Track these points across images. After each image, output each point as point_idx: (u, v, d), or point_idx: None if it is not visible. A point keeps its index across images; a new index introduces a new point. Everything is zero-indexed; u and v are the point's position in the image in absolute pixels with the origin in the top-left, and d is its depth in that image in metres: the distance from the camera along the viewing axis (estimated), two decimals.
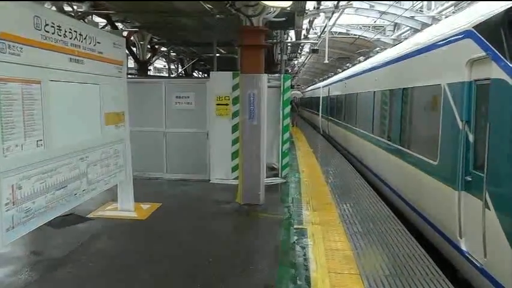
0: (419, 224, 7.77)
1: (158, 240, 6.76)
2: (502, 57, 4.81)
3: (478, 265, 5.31)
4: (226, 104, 10.56)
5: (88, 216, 7.87)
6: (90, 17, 11.43)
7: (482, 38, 5.36)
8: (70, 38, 5.66)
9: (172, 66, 25.36)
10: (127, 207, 8.09)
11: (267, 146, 9.57)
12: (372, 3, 20.80)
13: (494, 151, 4.94)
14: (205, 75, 26.00)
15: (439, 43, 7.04)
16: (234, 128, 10.25)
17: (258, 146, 8.73)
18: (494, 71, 4.94)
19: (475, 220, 5.31)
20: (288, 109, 11.18)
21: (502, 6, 5.00)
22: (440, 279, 5.43)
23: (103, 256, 6.11)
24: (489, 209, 4.94)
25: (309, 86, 52.10)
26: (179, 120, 10.97)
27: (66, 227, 7.24)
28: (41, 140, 5.05)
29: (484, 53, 5.27)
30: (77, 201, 5.97)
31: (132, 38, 15.30)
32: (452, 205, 5.99)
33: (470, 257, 5.57)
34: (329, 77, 34.58)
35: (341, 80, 20.14)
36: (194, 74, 26.43)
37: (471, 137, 5.69)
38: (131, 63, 17.65)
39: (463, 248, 5.76)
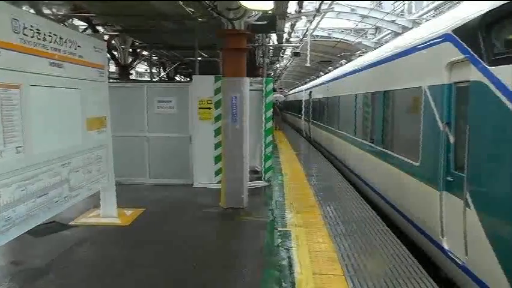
0: (402, 225, 7.85)
1: (142, 246, 6.72)
2: (480, 60, 4.90)
3: (460, 263, 5.39)
4: (209, 108, 10.54)
5: (70, 223, 7.76)
6: (70, 20, 11.35)
7: (461, 41, 5.45)
8: (50, 42, 5.58)
9: (154, 70, 25.28)
10: (110, 214, 8.02)
11: (250, 149, 9.57)
12: (354, 5, 20.96)
13: (474, 152, 5.03)
14: (188, 79, 25.97)
15: (419, 46, 7.13)
16: (217, 132, 10.24)
17: (241, 150, 8.74)
18: (473, 74, 5.03)
19: (456, 219, 5.40)
20: (270, 112, 11.22)
21: (480, 10, 5.10)
22: (423, 277, 5.51)
23: (86, 264, 6.04)
24: (470, 208, 5.03)
25: (291, 89, 52.27)
26: (161, 124, 10.92)
27: (48, 235, 7.13)
28: (21, 147, 4.93)
29: (462, 56, 5.36)
30: (59, 208, 5.88)
31: (113, 41, 15.22)
32: (434, 205, 6.07)
33: (452, 256, 5.65)
34: (311, 80, 34.75)
35: (323, 83, 20.24)
36: (176, 78, 26.38)
37: (451, 138, 5.78)
38: (112, 67, 17.53)
39: (445, 246, 5.85)
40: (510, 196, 4.38)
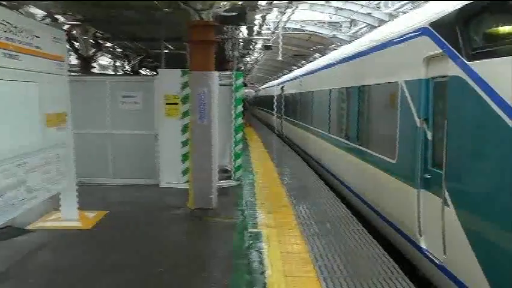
0: (378, 224, 7.95)
1: (105, 251, 6.63)
2: (458, 54, 4.98)
3: (438, 263, 5.47)
4: (176, 104, 10.46)
5: (27, 228, 7.59)
6: (26, 8, 11.07)
7: (438, 36, 5.54)
8: (4, 31, 5.38)
9: (118, 64, 24.96)
10: (70, 217, 7.87)
11: (219, 147, 9.53)
12: None
13: (452, 148, 5.12)
14: (154, 73, 25.73)
15: (396, 40, 7.22)
16: (184, 129, 10.17)
17: (209, 147, 8.70)
18: (451, 68, 5.11)
19: (434, 218, 5.48)
20: (240, 108, 11.22)
21: (457, 4, 5.18)
22: (400, 278, 5.59)
23: (45, 271, 5.91)
24: (448, 206, 5.11)
25: (263, 84, 52.35)
26: (126, 121, 10.79)
27: (3, 240, 6.96)
28: None
29: (440, 50, 5.44)
30: (15, 211, 5.72)
31: (74, 31, 14.94)
32: (411, 203, 6.16)
33: (429, 255, 5.74)
34: (283, 75, 34.87)
35: (295, 78, 20.33)
36: (141, 71, 26.10)
37: (429, 135, 5.87)
38: (73, 59, 17.24)
39: (423, 246, 5.94)
40: (489, 193, 4.48)
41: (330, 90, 12.05)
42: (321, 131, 13.28)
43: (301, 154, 16.83)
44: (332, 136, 11.75)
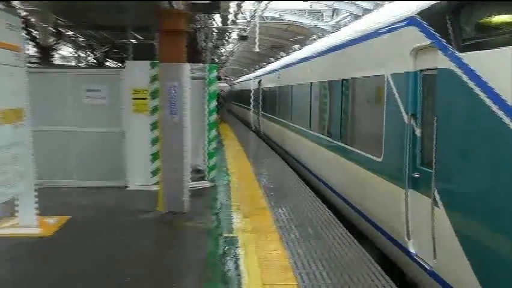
0: (363, 227, 7.98)
1: (67, 260, 6.50)
2: (448, 45, 4.99)
3: (428, 267, 5.50)
4: (144, 99, 10.35)
5: None
6: None
7: (427, 26, 5.55)
8: None
9: (81, 54, 24.66)
10: (29, 223, 7.69)
11: (191, 145, 9.48)
12: None
13: (442, 145, 5.13)
14: (120, 64, 25.49)
15: (381, 30, 7.24)
16: (154, 126, 10.07)
17: (181, 146, 8.63)
18: (440, 61, 5.12)
19: (424, 219, 5.50)
20: (214, 103, 11.17)
21: None
22: (387, 285, 5.59)
23: (0, 285, 5.76)
24: (438, 207, 5.13)
25: (238, 78, 52.37)
26: (90, 117, 10.62)
27: None
28: None
29: (429, 41, 5.46)
30: None
31: (32, 18, 14.65)
32: (399, 205, 6.18)
33: (418, 260, 5.76)
34: (261, 68, 34.91)
35: (274, 71, 20.37)
36: (107, 63, 25.84)
37: (418, 131, 5.89)
38: (31, 49, 16.95)
39: (411, 250, 5.96)
40: (482, 193, 4.49)
41: (311, 84, 12.07)
42: (301, 127, 13.30)
43: (280, 153, 16.87)
44: (313, 133, 11.77)
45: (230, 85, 54.82)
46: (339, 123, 9.44)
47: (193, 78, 10.50)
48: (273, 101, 19.78)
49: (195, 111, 10.33)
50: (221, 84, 46.12)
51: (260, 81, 24.68)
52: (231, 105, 45.55)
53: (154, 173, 10.32)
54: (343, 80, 9.17)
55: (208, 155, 11.29)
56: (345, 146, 8.94)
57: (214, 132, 11.32)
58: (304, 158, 12.92)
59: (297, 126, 13.92)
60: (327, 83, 10.51)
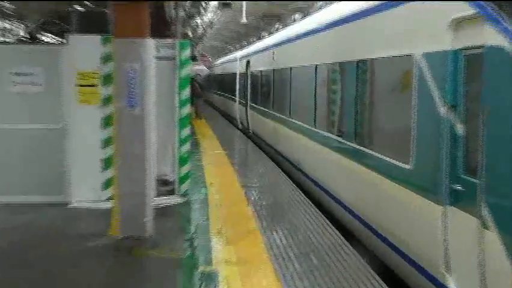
0: (385, 255, 8.01)
1: None
2: (500, 16, 4.97)
3: None
4: (94, 85, 10.34)
5: None
6: None
7: None
8: None
9: (8, 26, 24.58)
10: None
11: (156, 147, 9.49)
12: None
13: (492, 147, 5.08)
14: (61, 40, 25.42)
15: None
16: (107, 122, 10.05)
17: (143, 148, 8.60)
18: (491, 36, 5.10)
19: (469, 246, 5.44)
20: (188, 92, 11.16)
21: None
22: None
23: None
24: (489, 230, 5.07)
25: (220, 58, 52.37)
26: (18, 110, 10.60)
27: None
28: None
29: (473, 11, 5.45)
30: None
31: None
32: (433, 225, 6.17)
33: None
34: (249, 45, 34.90)
35: (267, 49, 20.39)
36: (43, 38, 25.77)
37: (460, 128, 5.86)
38: None
39: (452, 287, 5.91)
40: None
41: (316, 66, 12.07)
42: (303, 124, 13.31)
43: (275, 157, 16.92)
44: (318, 132, 11.79)
45: (209, 68, 54.87)
46: (353, 118, 9.45)
47: (160, 58, 10.52)
48: (265, 89, 19.82)
49: (161, 102, 10.36)
50: (197, 67, 46.12)
51: (248, 62, 24.69)
52: (210, 95, 45.54)
53: (107, 185, 10.29)
54: (359, 61, 9.18)
55: (179, 160, 11.30)
56: (361, 148, 8.95)
57: (187, 131, 11.34)
58: (308, 165, 12.95)
59: (298, 122, 13.94)
60: (338, 65, 10.52)
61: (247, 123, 24.73)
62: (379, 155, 8.16)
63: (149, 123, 8.71)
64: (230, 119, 31.33)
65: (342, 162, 9.96)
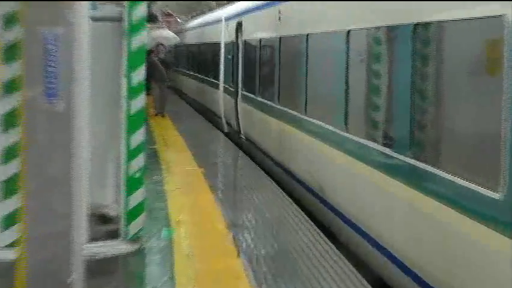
0: None
1: None
2: None
3: None
4: None
5: None
6: None
7: None
8: None
9: None
10: None
11: (91, 162, 9.47)
12: None
13: None
14: None
15: None
16: (9, 121, 10.05)
17: (67, 165, 8.57)
18: None
19: None
20: (141, 74, 11.09)
21: None
22: None
23: None
24: None
25: (195, 19, 52.56)
26: None
27: None
28: None
29: None
30: None
31: None
32: None
33: None
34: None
35: (268, 4, 20.38)
36: None
37: None
38: None
39: None
40: None
41: (349, 32, 12.04)
42: (327, 126, 13.29)
43: (283, 179, 16.96)
44: (352, 138, 11.82)
45: (178, 34, 54.98)
46: (408, 117, 9.47)
47: (96, 19, 10.49)
48: (267, 69, 19.89)
49: (99, 91, 10.37)
50: (159, 33, 46.21)
51: (240, 25, 24.90)
52: (178, 77, 45.64)
53: (8, 222, 10.28)
54: (416, 25, 9.18)
55: (127, 184, 11.24)
56: (422, 165, 8.99)
57: (140, 136, 11.26)
58: (331, 187, 13.03)
59: (319, 122, 13.93)
60: (385, 30, 10.49)
61: (237, 122, 24.84)
62: (448, 175, 8.20)
63: (79, 124, 8.68)
64: (210, 115, 31.42)
65: (390, 185, 9.99)
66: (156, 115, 28.36)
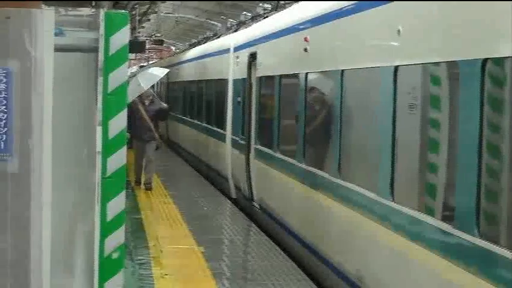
0: None
1: None
2: None
3: None
4: None
5: None
6: None
7: None
8: None
9: None
10: None
11: (54, 240, 9.47)
12: None
13: None
14: None
15: None
16: None
17: (26, 242, 8.57)
18: None
19: None
20: (120, 121, 11.07)
21: None
22: None
23: None
24: None
25: (193, 48, 52.91)
26: None
27: None
28: None
29: None
30: None
31: None
32: None
33: None
34: (254, 20, 35.20)
35: (294, 28, 20.49)
36: None
37: None
38: None
39: None
40: None
41: (424, 66, 11.93)
42: (383, 200, 13.05)
43: (312, 265, 16.85)
44: (410, 215, 11.65)
45: (171, 67, 55.19)
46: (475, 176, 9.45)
47: (63, 49, 10.52)
48: (290, 116, 19.93)
49: (66, 144, 10.35)
50: (149, 71, 46.58)
51: (254, 57, 24.97)
52: (171, 124, 45.90)
53: None
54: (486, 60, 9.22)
55: (102, 267, 11.21)
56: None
57: (118, 203, 11.24)
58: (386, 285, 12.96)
59: (364, 191, 13.80)
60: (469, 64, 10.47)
61: (249, 186, 24.93)
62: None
63: (39, 193, 8.66)
64: (212, 176, 31.52)
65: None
66: (138, 185, 27.81)
